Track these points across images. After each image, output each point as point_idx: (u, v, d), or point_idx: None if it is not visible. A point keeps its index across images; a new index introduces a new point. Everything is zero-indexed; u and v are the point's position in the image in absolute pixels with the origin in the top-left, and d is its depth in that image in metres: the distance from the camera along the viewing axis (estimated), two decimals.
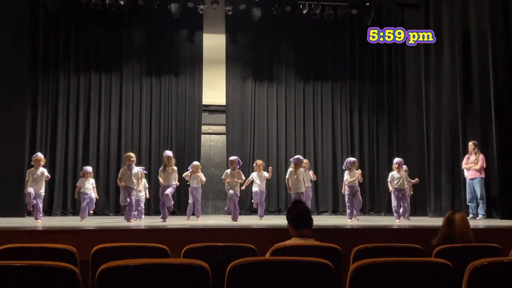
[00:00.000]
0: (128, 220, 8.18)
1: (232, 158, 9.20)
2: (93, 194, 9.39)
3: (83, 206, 9.16)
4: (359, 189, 9.13)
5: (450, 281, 2.47)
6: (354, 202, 8.98)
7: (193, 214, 9.40)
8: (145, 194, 9.62)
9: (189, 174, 9.20)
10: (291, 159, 9.03)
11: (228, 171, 9.05)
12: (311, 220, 3.61)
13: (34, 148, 10.84)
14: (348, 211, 9.05)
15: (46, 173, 8.39)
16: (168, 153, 8.89)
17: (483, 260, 2.44)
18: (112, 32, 12.24)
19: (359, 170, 9.35)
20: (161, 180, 8.64)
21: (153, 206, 11.46)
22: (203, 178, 9.22)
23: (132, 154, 8.62)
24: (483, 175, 9.02)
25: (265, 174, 9.44)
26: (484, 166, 9.04)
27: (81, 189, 9.34)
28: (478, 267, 2.39)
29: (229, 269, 2.34)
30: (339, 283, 2.92)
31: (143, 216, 9.26)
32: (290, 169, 8.82)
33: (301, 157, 9.05)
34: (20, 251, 3.14)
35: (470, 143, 9.22)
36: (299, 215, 3.56)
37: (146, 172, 9.62)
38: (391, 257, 2.61)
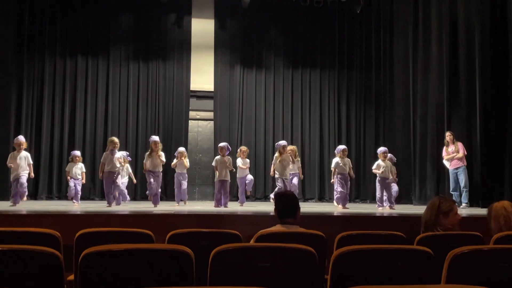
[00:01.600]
0: (110, 205, 8.16)
1: (221, 144, 9.18)
2: (80, 181, 9.32)
3: (73, 193, 9.10)
4: (349, 177, 9.12)
5: (431, 269, 2.50)
6: (345, 190, 8.94)
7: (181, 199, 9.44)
8: (132, 179, 9.66)
9: (176, 161, 9.25)
10: (276, 144, 9.14)
11: (218, 157, 9.03)
12: (296, 209, 3.66)
13: (19, 132, 10.70)
14: (337, 195, 9.01)
15: (30, 158, 8.29)
16: (155, 138, 8.84)
17: (463, 248, 2.47)
18: (99, 16, 12.06)
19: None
20: (146, 165, 8.58)
21: (139, 192, 11.43)
22: (187, 164, 9.28)
23: (116, 140, 8.59)
24: (465, 163, 9.14)
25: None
26: (465, 153, 9.17)
27: (69, 173, 9.29)
28: (458, 254, 2.43)
29: (213, 255, 2.35)
30: (322, 269, 2.95)
31: (128, 198, 9.25)
32: (276, 154, 8.91)
33: (285, 142, 9.13)
34: (2, 235, 3.12)
35: (448, 133, 9.33)
36: (282, 208, 3.66)
37: (130, 158, 9.58)
38: (374, 244, 2.64)
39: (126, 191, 9.40)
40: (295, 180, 9.62)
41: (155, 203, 8.53)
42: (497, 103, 9.29)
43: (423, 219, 3.73)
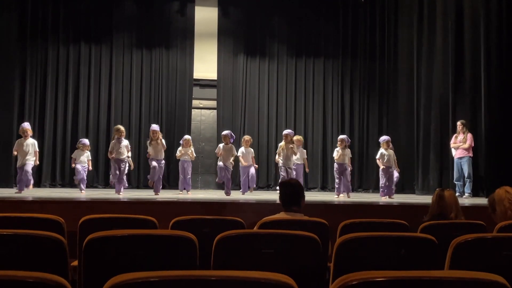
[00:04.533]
0: (118, 192, 8.20)
1: (225, 132, 9.18)
2: (86, 169, 9.31)
3: (82, 175, 9.12)
4: (347, 167, 9.08)
5: (434, 256, 2.50)
6: (343, 180, 8.96)
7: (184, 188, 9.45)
8: (130, 165, 9.62)
9: (181, 150, 9.23)
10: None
11: (221, 145, 9.04)
12: (301, 198, 3.66)
13: (22, 119, 10.72)
14: (336, 186, 9.06)
15: (36, 146, 8.32)
16: (154, 126, 8.83)
17: (467, 236, 2.47)
18: (103, 3, 11.99)
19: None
20: (149, 152, 8.62)
21: (142, 180, 11.46)
22: (193, 154, 9.25)
23: (122, 128, 8.60)
24: (471, 154, 9.11)
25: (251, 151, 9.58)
26: (473, 145, 9.13)
27: (76, 161, 9.29)
28: (462, 242, 2.42)
29: (216, 241, 2.36)
30: (325, 256, 2.96)
31: (126, 185, 9.25)
32: (280, 144, 8.90)
33: (290, 131, 9.08)
34: (7, 221, 3.13)
35: (458, 123, 9.29)
36: (287, 196, 3.67)
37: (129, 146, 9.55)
38: (377, 232, 2.64)
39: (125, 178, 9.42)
40: (299, 170, 9.64)
41: (156, 191, 8.53)
42: (503, 93, 9.26)
43: (436, 210, 3.78)
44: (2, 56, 10.80)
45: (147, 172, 9.31)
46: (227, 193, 8.78)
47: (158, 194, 8.40)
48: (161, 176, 8.74)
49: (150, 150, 8.58)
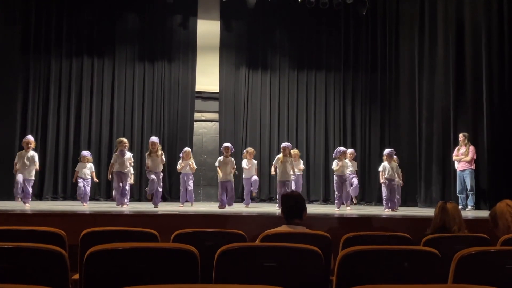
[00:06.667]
0: (121, 205, 8.17)
1: (227, 144, 9.12)
2: (89, 182, 9.27)
3: (82, 192, 9.04)
4: (347, 179, 9.04)
5: (438, 269, 2.48)
6: (343, 192, 8.90)
7: (187, 201, 9.42)
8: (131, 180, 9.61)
9: (181, 163, 9.21)
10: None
11: (221, 158, 9.00)
12: (303, 210, 3.66)
13: (25, 132, 10.74)
14: (336, 200, 9.00)
15: (36, 158, 8.28)
16: (153, 138, 8.80)
17: (470, 249, 2.46)
18: (105, 16, 12.08)
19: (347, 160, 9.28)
20: (148, 164, 8.59)
21: (143, 193, 11.43)
22: (194, 166, 9.22)
23: (125, 140, 8.59)
24: (473, 167, 9.08)
25: (255, 162, 9.53)
26: (475, 157, 9.11)
27: (78, 173, 9.27)
28: (465, 256, 2.41)
29: (218, 254, 2.34)
30: (327, 269, 2.94)
31: (128, 200, 9.20)
32: (278, 156, 8.85)
33: (288, 144, 9.04)
34: (8, 234, 3.12)
35: (461, 135, 9.28)
36: (289, 209, 3.67)
37: (133, 160, 9.56)
38: (380, 245, 2.63)
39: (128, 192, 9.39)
40: (293, 184, 9.60)
41: (155, 204, 8.48)
42: (504, 104, 9.26)
43: (439, 223, 3.76)
44: (5, 69, 10.86)
45: (147, 185, 9.30)
46: (229, 204, 8.73)
47: (157, 207, 8.36)
48: (160, 189, 8.69)
49: (149, 162, 8.55)
